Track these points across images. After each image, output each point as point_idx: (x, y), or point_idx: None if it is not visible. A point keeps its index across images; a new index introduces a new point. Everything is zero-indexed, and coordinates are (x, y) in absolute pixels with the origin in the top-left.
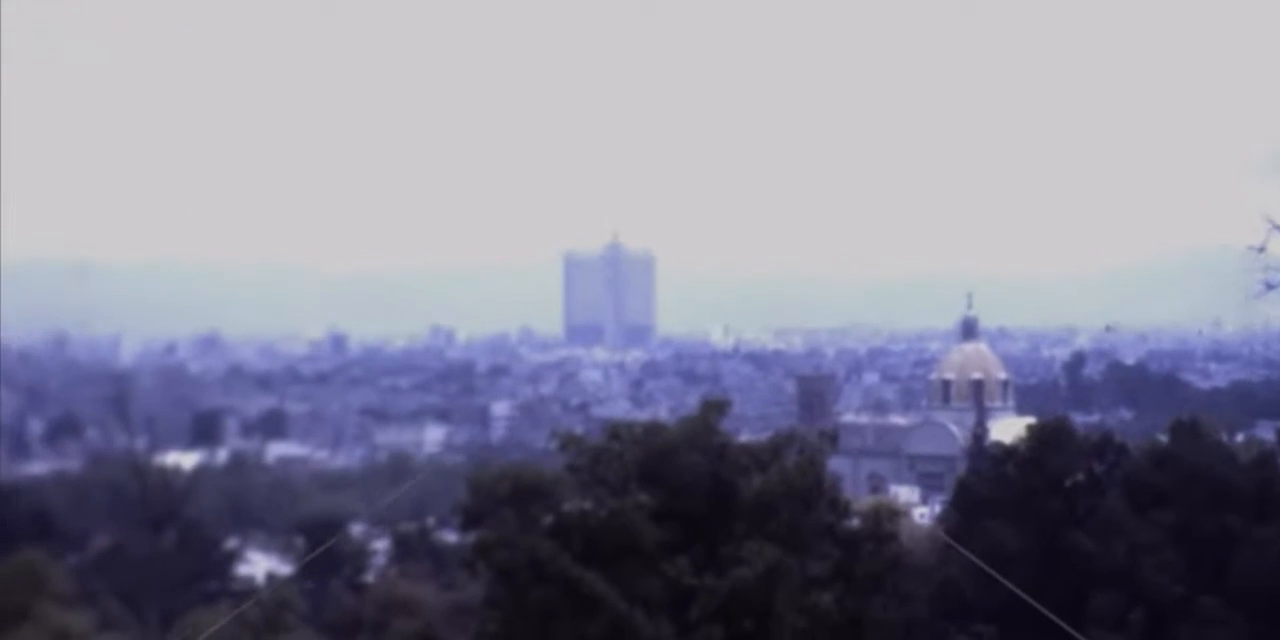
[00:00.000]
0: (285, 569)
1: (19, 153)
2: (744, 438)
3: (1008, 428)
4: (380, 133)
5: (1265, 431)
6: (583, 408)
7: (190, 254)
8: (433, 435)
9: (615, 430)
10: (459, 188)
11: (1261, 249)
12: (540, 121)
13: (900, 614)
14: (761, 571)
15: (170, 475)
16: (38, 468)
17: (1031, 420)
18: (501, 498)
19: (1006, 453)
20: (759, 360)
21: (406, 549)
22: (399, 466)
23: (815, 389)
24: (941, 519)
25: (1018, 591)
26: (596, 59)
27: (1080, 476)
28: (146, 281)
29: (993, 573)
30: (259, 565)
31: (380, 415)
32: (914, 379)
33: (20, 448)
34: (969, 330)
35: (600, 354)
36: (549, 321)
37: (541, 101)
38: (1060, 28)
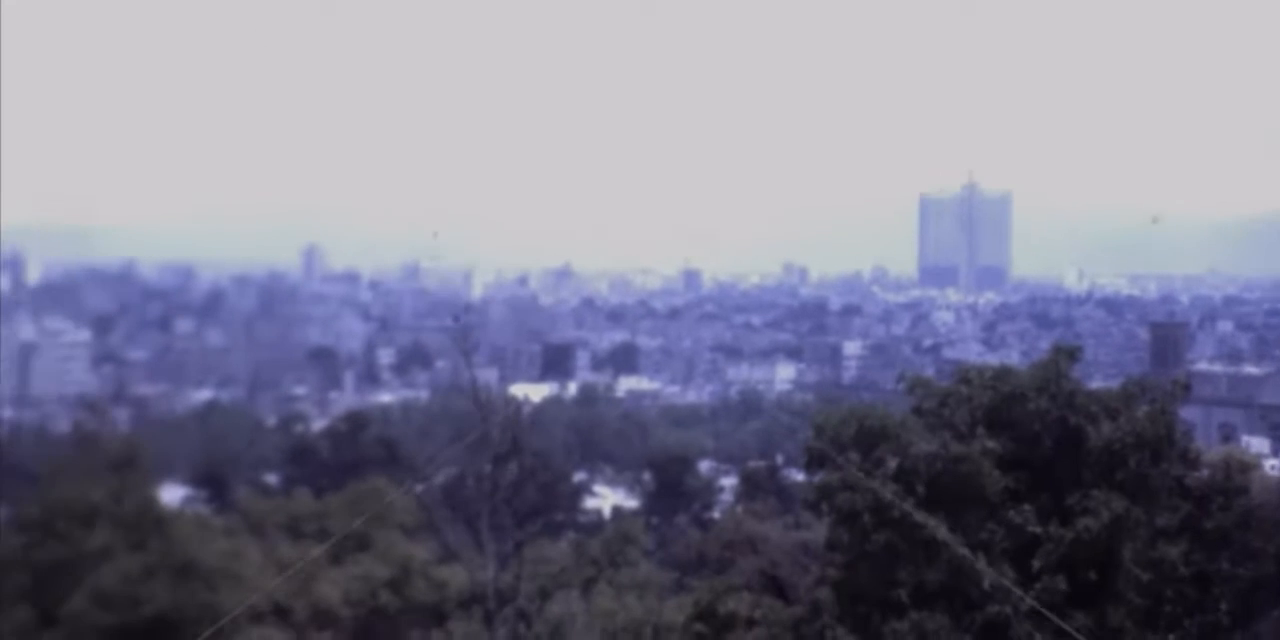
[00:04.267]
0: (632, 503)
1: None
2: (1095, 384)
3: None
4: (741, 74)
5: None
6: (934, 349)
7: (545, 189)
8: (783, 373)
9: (965, 373)
10: (818, 129)
11: None
12: (900, 62)
13: (1248, 570)
14: (1107, 522)
15: (519, 407)
16: (387, 396)
17: None
18: (846, 440)
19: None
20: (1112, 305)
21: (754, 486)
22: (750, 403)
23: (1168, 336)
24: None
25: None
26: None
27: None
28: (503, 215)
29: None
30: (606, 499)
31: (732, 352)
32: (1269, 328)
33: (370, 376)
34: None
35: (953, 295)
36: (903, 262)
37: (898, 42)
38: None
